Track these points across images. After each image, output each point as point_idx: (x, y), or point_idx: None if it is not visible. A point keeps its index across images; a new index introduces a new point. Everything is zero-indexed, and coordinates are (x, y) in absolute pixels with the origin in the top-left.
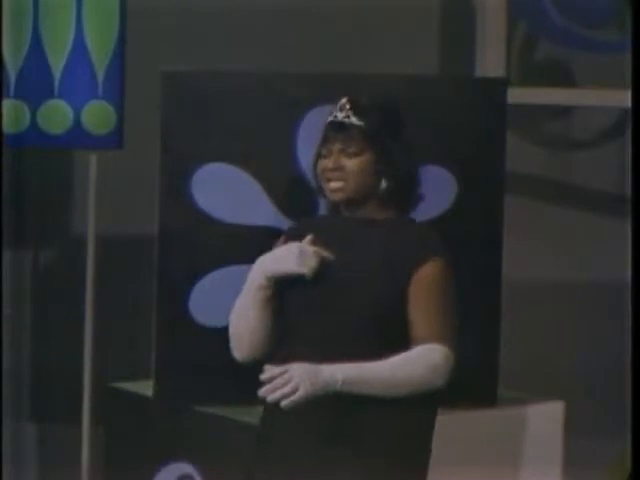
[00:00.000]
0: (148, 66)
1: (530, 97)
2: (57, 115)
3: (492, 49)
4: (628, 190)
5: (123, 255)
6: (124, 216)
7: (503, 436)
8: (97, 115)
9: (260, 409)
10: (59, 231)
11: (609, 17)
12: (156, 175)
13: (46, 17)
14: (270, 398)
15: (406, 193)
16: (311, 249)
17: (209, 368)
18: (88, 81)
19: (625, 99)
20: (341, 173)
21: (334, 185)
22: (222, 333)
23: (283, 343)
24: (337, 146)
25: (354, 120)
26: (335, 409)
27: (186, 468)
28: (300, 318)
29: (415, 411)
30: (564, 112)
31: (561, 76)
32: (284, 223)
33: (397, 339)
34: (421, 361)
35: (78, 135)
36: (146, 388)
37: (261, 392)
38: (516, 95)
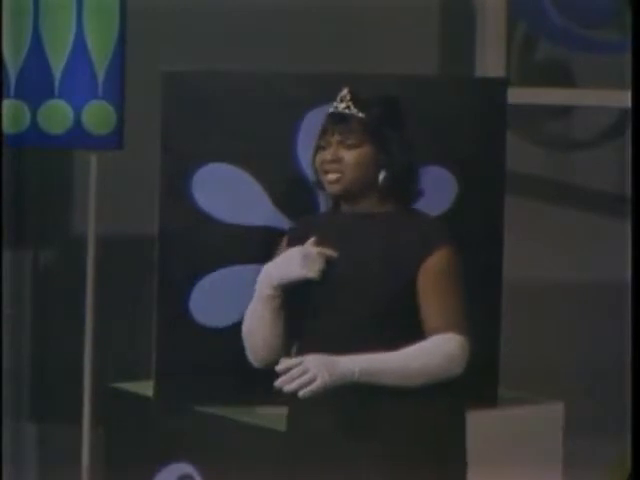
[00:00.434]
0: (148, 66)
1: (530, 97)
2: (57, 115)
3: (492, 49)
4: (628, 190)
5: (123, 255)
6: (124, 216)
7: (503, 436)
8: (97, 115)
9: (260, 409)
10: (59, 231)
11: (609, 17)
12: (156, 175)
13: (46, 17)
14: (287, 388)
15: (405, 186)
16: (315, 250)
17: (209, 368)
18: (88, 81)
19: (625, 99)
20: (339, 165)
21: (331, 177)
22: (222, 333)
23: (296, 344)
24: (336, 137)
25: (354, 111)
26: (362, 407)
27: (186, 468)
28: (311, 318)
29: (445, 408)
30: (564, 112)
31: (561, 76)
32: (284, 223)
33: (410, 331)
34: (437, 350)
35: (78, 135)
36: (146, 388)
37: (277, 383)
38: (516, 95)
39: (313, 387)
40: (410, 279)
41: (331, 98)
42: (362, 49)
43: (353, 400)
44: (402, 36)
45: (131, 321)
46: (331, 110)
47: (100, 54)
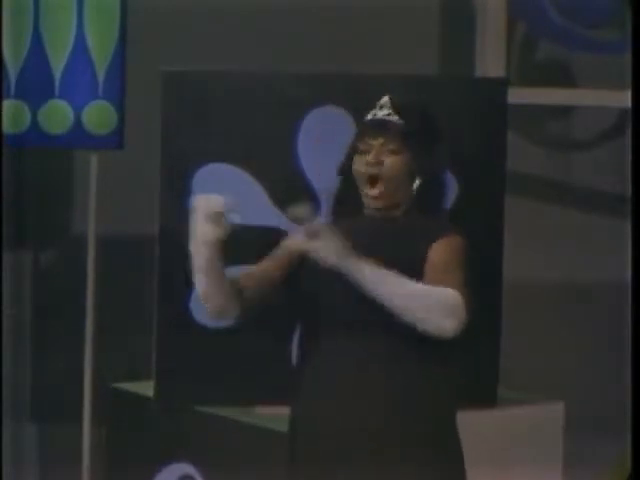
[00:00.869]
0: (148, 66)
1: (530, 97)
2: (58, 115)
3: (492, 49)
4: (628, 190)
5: (123, 255)
6: (124, 216)
7: (503, 436)
8: (98, 115)
9: (260, 409)
10: (59, 231)
11: (609, 17)
12: (156, 175)
13: (47, 17)
14: (291, 242)
15: (436, 195)
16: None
17: (209, 368)
18: (89, 81)
19: (625, 99)
20: (378, 169)
21: (374, 192)
22: (223, 333)
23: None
24: (379, 142)
25: (395, 118)
26: (361, 408)
27: (187, 468)
28: (324, 311)
29: (444, 410)
30: (564, 112)
31: (561, 76)
32: (284, 223)
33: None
34: (441, 295)
35: (79, 135)
36: (147, 388)
37: (288, 240)
38: (516, 95)
39: (322, 254)
40: (419, 265)
41: (331, 98)
42: (362, 49)
43: (352, 400)
44: (402, 36)
45: (131, 321)
46: (370, 117)
47: (100, 54)
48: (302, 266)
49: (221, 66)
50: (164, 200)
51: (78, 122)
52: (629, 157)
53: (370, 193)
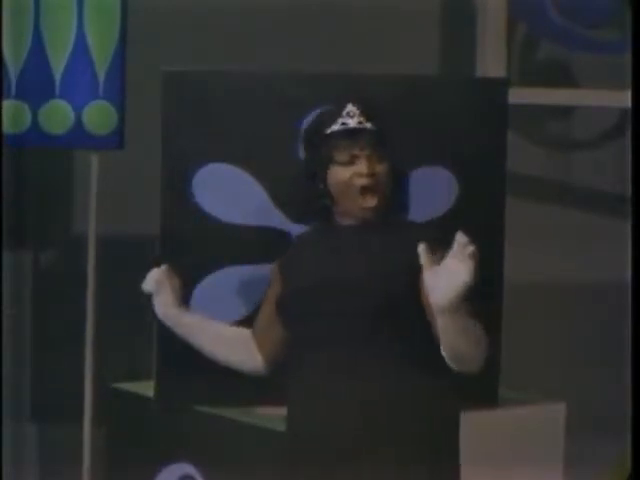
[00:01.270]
0: (149, 66)
1: (530, 97)
2: (58, 115)
3: (492, 49)
4: (628, 190)
5: (123, 255)
6: (125, 216)
7: (504, 436)
8: (98, 115)
9: (260, 409)
10: (59, 231)
11: (609, 17)
12: (157, 175)
13: (47, 17)
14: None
15: (404, 194)
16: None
17: (210, 368)
18: (89, 81)
19: (625, 99)
20: (373, 180)
21: (370, 204)
22: None
23: (299, 352)
24: (365, 152)
25: (368, 126)
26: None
27: (187, 468)
28: (311, 323)
29: (439, 414)
30: (564, 112)
31: (561, 76)
32: (284, 223)
33: (416, 328)
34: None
35: (79, 135)
36: (147, 388)
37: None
38: (517, 95)
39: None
40: (413, 281)
41: (331, 98)
42: (362, 49)
43: (351, 400)
44: (402, 36)
45: (131, 321)
46: (338, 127)
47: (101, 54)
48: (290, 293)
49: (221, 66)
50: (164, 200)
51: (78, 122)
52: (629, 157)
53: (366, 205)
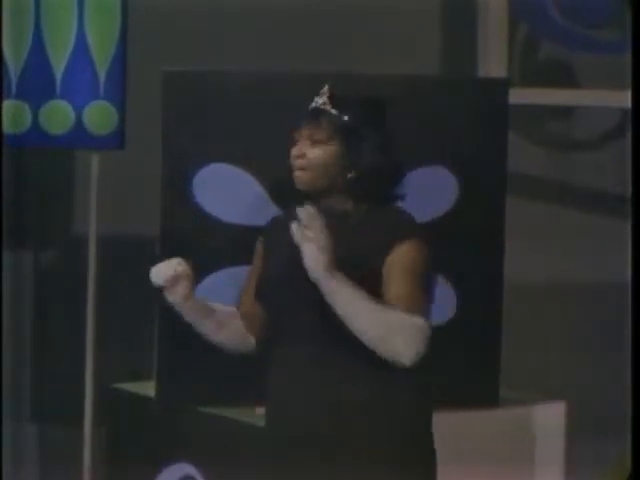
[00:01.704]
0: (149, 66)
1: (531, 97)
2: (58, 115)
3: (493, 50)
4: (628, 190)
5: (124, 255)
6: (125, 216)
7: (505, 436)
8: (98, 115)
9: (260, 409)
10: (59, 231)
11: (609, 17)
12: (157, 175)
13: (47, 17)
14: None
15: (376, 188)
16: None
17: (210, 369)
18: (89, 81)
19: (625, 99)
20: (304, 161)
21: (298, 173)
22: None
23: (274, 342)
24: (305, 132)
25: (328, 108)
26: (336, 411)
27: (188, 468)
28: (284, 311)
29: (413, 411)
30: (564, 112)
31: (562, 76)
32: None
33: None
34: (405, 325)
35: (79, 135)
36: (147, 389)
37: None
38: (517, 95)
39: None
40: (376, 269)
41: None
42: (363, 49)
43: (318, 401)
44: (403, 36)
45: (132, 321)
46: (312, 105)
47: (101, 54)
48: (266, 277)
49: (221, 66)
50: (165, 200)
51: (79, 122)
52: (629, 157)
53: (295, 175)
